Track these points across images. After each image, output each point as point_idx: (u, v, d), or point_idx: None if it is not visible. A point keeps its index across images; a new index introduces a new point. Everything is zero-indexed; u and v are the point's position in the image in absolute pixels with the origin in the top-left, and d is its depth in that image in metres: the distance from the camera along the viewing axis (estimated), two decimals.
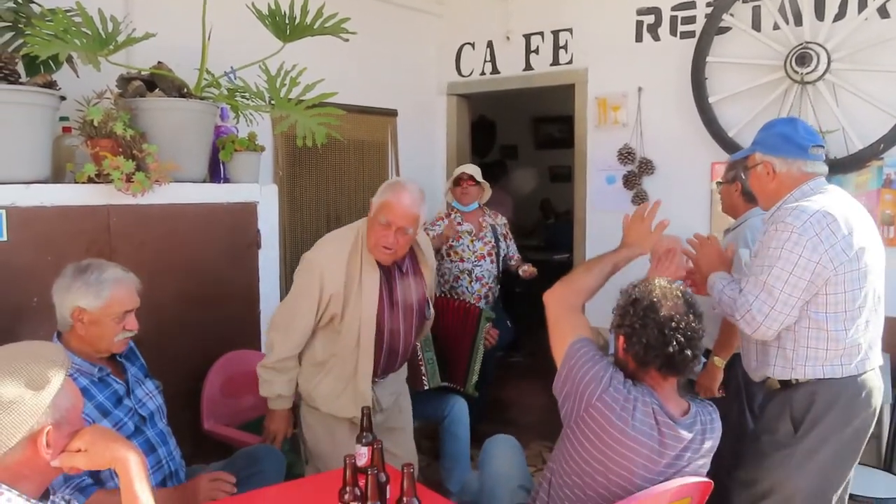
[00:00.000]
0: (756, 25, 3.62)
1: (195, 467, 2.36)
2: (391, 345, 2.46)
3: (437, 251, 3.80)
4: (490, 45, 4.65)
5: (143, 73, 2.83)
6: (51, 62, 2.59)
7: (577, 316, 1.98)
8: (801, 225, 1.98)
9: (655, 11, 3.95)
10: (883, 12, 3.29)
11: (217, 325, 2.95)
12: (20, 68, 2.50)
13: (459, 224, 3.91)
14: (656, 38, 3.97)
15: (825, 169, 2.19)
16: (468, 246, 3.88)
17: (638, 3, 4.00)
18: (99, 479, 1.94)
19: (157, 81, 2.82)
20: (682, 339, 1.76)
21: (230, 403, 2.92)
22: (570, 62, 4.32)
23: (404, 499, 1.64)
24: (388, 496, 1.80)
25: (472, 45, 4.74)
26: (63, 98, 2.57)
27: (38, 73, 2.54)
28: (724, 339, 2.68)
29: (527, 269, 3.87)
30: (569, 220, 4.64)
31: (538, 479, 2.05)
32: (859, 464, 2.18)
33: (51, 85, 2.50)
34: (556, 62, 4.37)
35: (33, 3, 2.62)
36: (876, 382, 2.11)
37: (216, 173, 3.12)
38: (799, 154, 2.15)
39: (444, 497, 2.09)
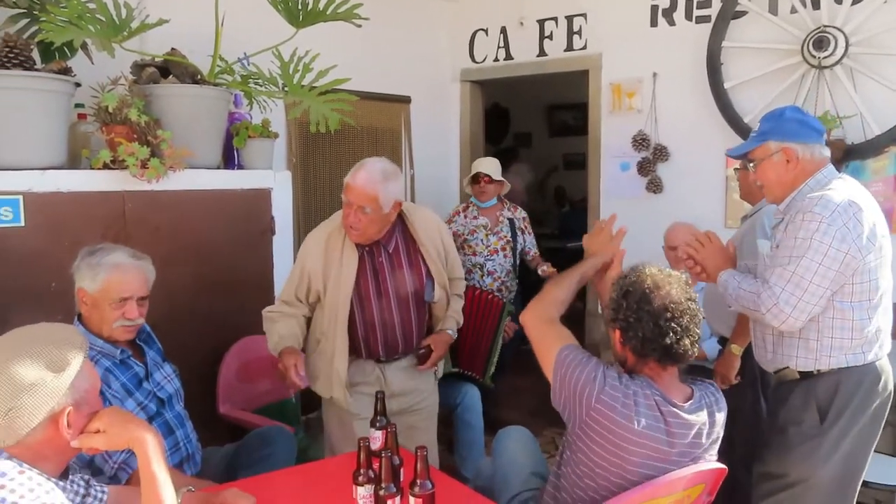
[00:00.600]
0: (773, 9, 3.57)
1: (210, 449, 2.39)
2: (385, 327, 2.45)
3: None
4: (503, 30, 4.63)
5: (156, 59, 2.84)
6: (66, 49, 2.61)
7: (556, 327, 1.94)
8: (830, 214, 1.94)
9: None
10: None
11: (231, 310, 2.97)
12: (35, 55, 2.51)
13: (475, 218, 3.90)
14: (671, 22, 3.93)
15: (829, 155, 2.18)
16: (482, 240, 3.86)
17: None
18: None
19: (170, 68, 2.83)
20: (679, 328, 1.73)
21: (245, 388, 2.94)
22: (584, 48, 4.28)
23: (418, 481, 1.65)
24: (401, 479, 1.81)
25: (486, 30, 4.71)
26: (78, 85, 2.59)
27: (53, 60, 2.56)
28: (741, 327, 2.67)
29: (546, 269, 3.81)
30: (584, 208, 4.62)
31: (547, 487, 2.03)
32: (874, 451, 2.17)
33: (66, 71, 2.52)
34: (570, 48, 4.34)
35: None
36: (889, 367, 2.12)
37: (230, 160, 3.13)
38: (818, 138, 2.11)
39: (458, 481, 2.10)
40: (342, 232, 2.39)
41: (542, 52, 4.47)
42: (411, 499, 1.65)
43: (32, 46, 2.48)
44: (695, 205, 3.82)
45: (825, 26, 3.36)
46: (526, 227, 4.04)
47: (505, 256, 3.89)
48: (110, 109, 2.54)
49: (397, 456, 1.85)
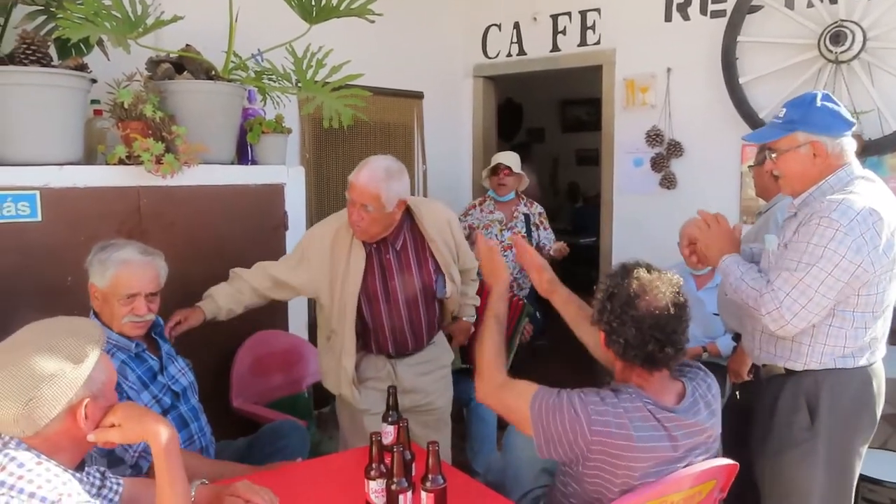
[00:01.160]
0: (789, 3, 3.53)
1: (223, 443, 2.41)
2: (393, 324, 2.46)
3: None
4: (517, 25, 4.61)
5: (171, 55, 2.86)
6: (82, 45, 2.63)
7: (510, 388, 1.84)
8: (848, 223, 1.82)
9: None
10: None
11: None
12: (52, 52, 2.54)
13: (491, 212, 3.88)
14: (686, 17, 3.90)
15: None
16: (496, 235, 3.84)
17: None
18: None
19: (185, 64, 2.85)
20: (661, 336, 1.67)
21: (258, 382, 2.96)
22: (597, 43, 4.26)
23: (429, 476, 1.65)
24: (413, 473, 1.82)
25: (499, 26, 4.70)
26: (94, 81, 2.61)
27: (69, 56, 2.59)
28: None
29: (557, 248, 3.76)
30: (597, 204, 4.60)
31: (558, 486, 2.01)
32: (886, 449, 2.14)
33: (82, 68, 2.54)
34: (583, 43, 4.32)
35: None
36: (882, 372, 2.05)
37: (244, 155, 3.15)
38: (847, 130, 1.97)
39: (470, 476, 2.11)
40: (350, 229, 2.39)
41: (555, 48, 4.45)
42: (423, 494, 1.66)
43: (49, 43, 2.51)
44: (709, 201, 3.78)
45: (842, 20, 3.33)
46: (542, 223, 4.02)
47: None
48: (126, 105, 2.56)
49: (409, 451, 1.85)
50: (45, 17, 2.64)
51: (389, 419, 2.02)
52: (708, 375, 1.89)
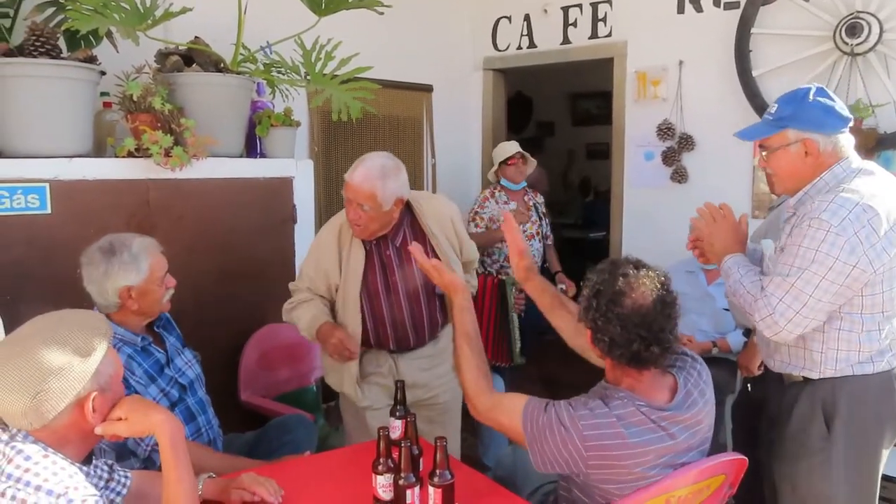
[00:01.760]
0: None
1: (231, 436, 2.41)
2: (395, 320, 2.44)
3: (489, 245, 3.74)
4: (527, 18, 4.58)
5: (180, 47, 2.85)
6: (91, 37, 2.63)
7: (500, 403, 1.80)
8: (839, 223, 1.74)
9: None
10: None
11: (253, 298, 2.99)
12: (62, 44, 2.53)
13: (506, 203, 3.84)
14: (699, 9, 3.85)
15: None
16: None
17: None
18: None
19: (194, 56, 2.84)
20: (647, 334, 1.63)
21: (266, 375, 2.97)
22: (608, 35, 4.22)
23: (437, 471, 1.64)
24: (421, 468, 1.81)
25: (509, 18, 4.66)
26: (103, 73, 2.61)
27: (78, 48, 2.59)
28: None
29: (567, 290, 3.73)
30: (607, 198, 4.57)
31: (563, 484, 2.00)
32: None
33: (91, 60, 2.54)
34: (594, 35, 4.28)
35: None
36: None
37: (252, 148, 3.14)
38: (842, 127, 1.88)
39: (479, 471, 2.10)
40: (350, 227, 2.38)
41: (565, 40, 4.42)
42: (430, 489, 1.64)
43: (59, 35, 2.51)
44: (721, 195, 3.69)
45: (858, 12, 3.28)
46: (546, 212, 4.02)
47: (539, 242, 3.86)
48: (135, 98, 2.56)
49: (417, 446, 1.84)
50: (54, 8, 2.64)
51: (397, 414, 2.01)
52: (696, 361, 1.84)
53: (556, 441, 1.66)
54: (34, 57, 2.38)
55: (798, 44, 3.49)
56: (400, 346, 2.48)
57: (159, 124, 2.59)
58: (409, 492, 1.68)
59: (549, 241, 4.00)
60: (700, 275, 3.33)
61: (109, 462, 1.57)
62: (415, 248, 2.03)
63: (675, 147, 3.97)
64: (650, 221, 4.13)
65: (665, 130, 3.98)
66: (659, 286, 1.68)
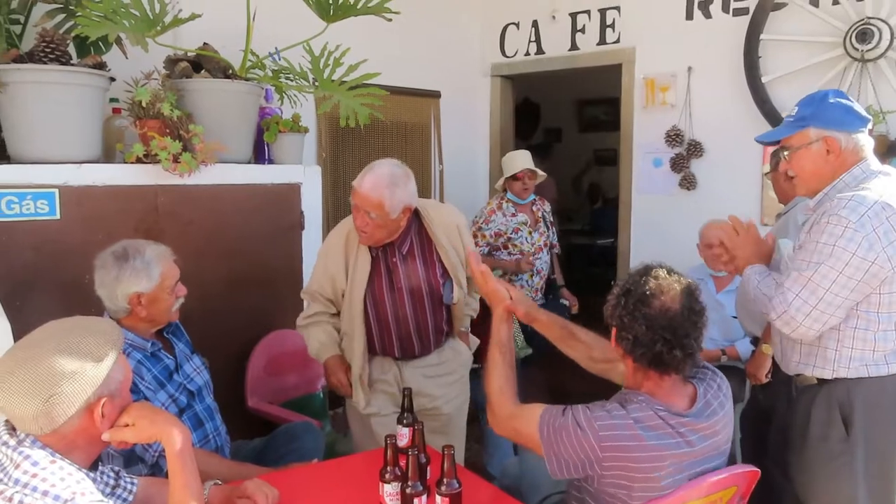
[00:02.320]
0: (814, 1, 3.48)
1: (238, 443, 2.41)
2: (400, 328, 2.43)
3: (497, 249, 3.72)
4: (535, 24, 4.58)
5: (189, 54, 2.86)
6: (100, 43, 2.64)
7: (520, 414, 1.80)
8: (858, 219, 1.76)
9: None
10: None
11: (261, 304, 2.99)
12: (71, 50, 2.55)
13: (514, 215, 3.76)
14: (707, 15, 3.85)
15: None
16: (527, 238, 3.70)
17: None
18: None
19: (202, 62, 2.85)
20: (671, 337, 1.63)
21: (273, 382, 2.96)
22: (617, 41, 4.22)
23: (445, 480, 1.63)
24: (428, 477, 1.80)
25: (517, 24, 4.67)
26: (113, 79, 2.62)
27: (88, 55, 2.60)
28: (773, 327, 2.60)
29: (573, 308, 3.73)
30: (616, 205, 4.55)
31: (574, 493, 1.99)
32: None
33: (101, 66, 2.55)
34: (602, 41, 4.28)
35: None
36: None
37: (260, 154, 3.15)
38: (862, 126, 1.91)
39: (486, 480, 2.09)
40: (356, 234, 2.37)
41: (573, 46, 4.42)
42: (438, 498, 1.64)
43: (69, 41, 2.52)
44: (729, 202, 3.74)
45: (869, 18, 3.26)
46: (553, 221, 3.98)
47: (548, 253, 3.81)
48: (143, 104, 2.56)
49: (424, 454, 1.83)
50: (64, 15, 2.65)
51: (405, 421, 2.00)
52: (717, 375, 1.84)
53: (573, 442, 1.65)
54: (44, 63, 2.39)
55: (808, 50, 3.48)
56: (405, 354, 2.47)
57: (168, 130, 2.60)
58: (416, 500, 1.67)
59: (556, 250, 3.97)
60: (709, 282, 3.31)
61: (116, 468, 1.57)
62: (471, 254, 2.09)
63: (684, 154, 3.96)
64: (658, 228, 4.11)
65: (673, 137, 3.97)
66: (689, 294, 1.69)
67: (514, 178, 3.73)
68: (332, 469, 2.12)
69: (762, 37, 3.59)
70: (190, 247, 2.62)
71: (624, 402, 1.71)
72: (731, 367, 3.13)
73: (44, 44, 2.40)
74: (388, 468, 1.73)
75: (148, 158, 2.59)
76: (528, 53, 4.64)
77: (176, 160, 2.58)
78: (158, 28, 2.51)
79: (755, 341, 2.87)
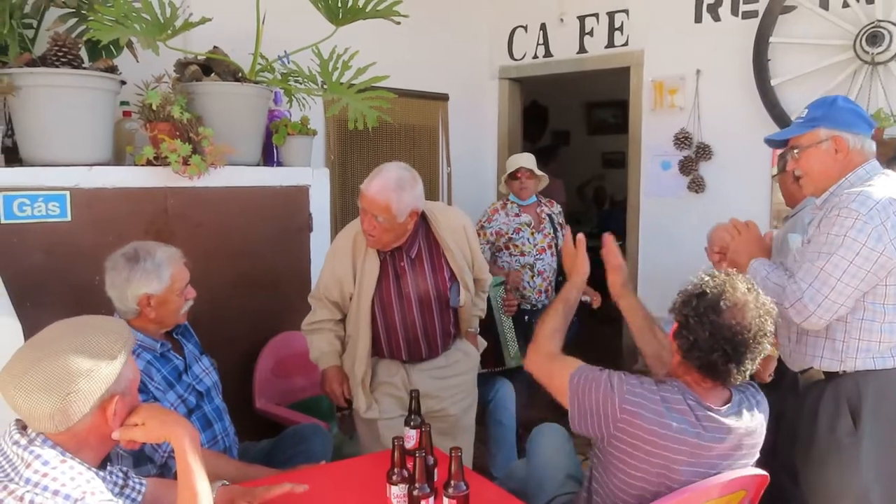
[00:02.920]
0: (823, 4, 3.46)
1: (246, 444, 2.41)
2: (407, 332, 2.43)
3: (498, 248, 3.73)
4: (543, 27, 4.58)
5: (199, 57, 2.88)
6: (112, 47, 2.67)
7: (559, 359, 1.89)
8: (868, 212, 1.84)
9: None
10: None
11: (269, 306, 3.00)
12: (83, 54, 2.57)
13: (517, 215, 3.78)
14: (716, 18, 3.84)
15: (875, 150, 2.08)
16: (528, 238, 3.70)
17: None
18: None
19: (212, 66, 2.87)
20: (731, 350, 1.65)
21: (281, 383, 2.97)
22: (625, 44, 4.22)
23: (452, 482, 1.63)
24: (435, 479, 1.80)
25: (525, 27, 4.67)
26: (123, 82, 2.64)
27: (99, 58, 2.62)
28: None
29: (593, 304, 3.67)
30: (624, 208, 4.55)
31: (582, 493, 1.99)
32: None
33: (112, 69, 2.57)
34: (611, 44, 4.28)
35: None
36: None
37: (269, 157, 3.16)
38: (868, 130, 2.01)
39: (492, 482, 2.09)
40: (364, 237, 2.38)
41: (582, 49, 4.41)
42: (445, 500, 1.64)
43: (80, 45, 2.54)
44: (738, 205, 3.73)
45: (879, 21, 3.25)
46: (562, 223, 3.96)
47: (552, 255, 3.78)
48: (154, 107, 2.58)
49: (431, 456, 1.83)
50: (76, 19, 2.68)
51: (412, 423, 2.00)
52: (758, 392, 1.87)
53: (598, 396, 1.72)
54: (56, 67, 2.41)
55: (818, 53, 3.46)
56: (412, 357, 2.48)
57: (178, 133, 2.61)
58: (423, 502, 1.67)
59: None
60: None
61: (124, 469, 1.57)
62: (568, 232, 2.23)
63: (693, 156, 3.95)
64: (667, 231, 4.10)
65: (682, 140, 3.96)
66: (763, 315, 1.69)
67: (513, 177, 3.76)
68: (339, 471, 2.13)
69: (771, 40, 3.58)
70: (199, 248, 2.63)
71: (658, 381, 1.76)
72: None
73: (56, 48, 2.42)
74: (396, 470, 1.74)
75: (158, 161, 2.60)
76: (536, 56, 4.64)
77: (186, 163, 2.59)
78: (169, 32, 2.53)
79: None
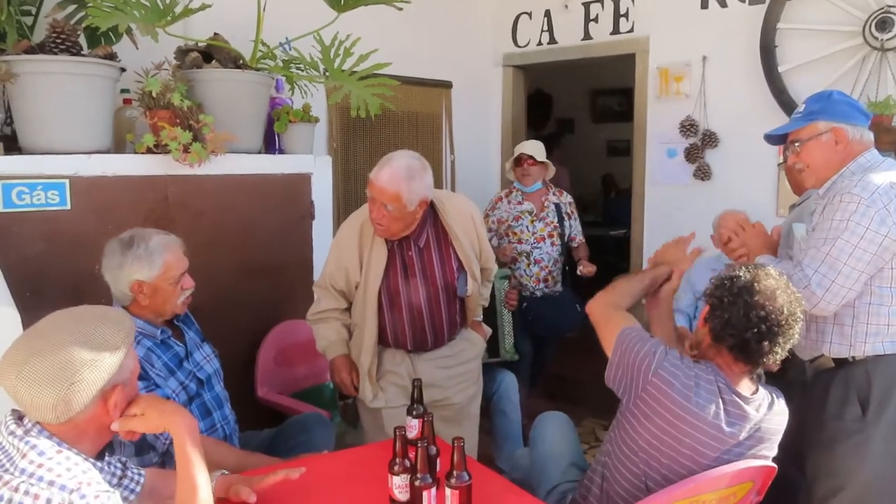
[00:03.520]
0: None
1: (248, 433, 2.41)
2: (414, 321, 2.42)
3: (499, 236, 3.72)
4: (547, 13, 4.53)
5: (199, 44, 2.85)
6: (111, 34, 2.64)
7: (622, 313, 1.96)
8: (870, 196, 1.88)
9: None
10: None
11: (271, 294, 2.99)
12: (82, 41, 2.54)
13: (519, 203, 3.77)
14: (723, 4, 3.78)
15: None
16: (528, 227, 3.71)
17: None
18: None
19: (213, 53, 2.84)
20: (765, 328, 1.68)
21: (283, 372, 2.96)
22: (630, 31, 4.16)
23: (454, 472, 1.62)
24: (437, 469, 1.79)
25: (529, 14, 4.62)
26: (123, 70, 2.62)
27: (99, 45, 2.59)
28: None
29: (584, 270, 3.70)
30: (629, 196, 4.50)
31: (589, 474, 1.99)
32: None
33: (111, 57, 2.54)
34: (616, 31, 4.23)
35: None
36: None
37: (271, 144, 3.14)
38: (865, 122, 2.07)
39: (496, 472, 2.07)
40: (371, 225, 2.36)
41: (587, 36, 4.36)
42: (447, 490, 1.62)
43: (79, 32, 2.52)
44: (745, 193, 3.70)
45: (889, 6, 3.19)
46: (573, 213, 3.92)
47: (552, 244, 3.75)
48: (154, 94, 2.56)
49: (434, 446, 1.82)
50: (75, 6, 2.65)
51: (414, 413, 1.99)
52: (781, 396, 1.89)
53: (638, 357, 1.78)
54: (55, 54, 2.39)
55: (826, 39, 3.41)
56: (417, 347, 2.46)
57: (178, 120, 2.59)
58: (425, 493, 1.66)
59: (576, 243, 3.88)
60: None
61: (123, 459, 1.57)
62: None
63: (699, 144, 3.91)
64: (672, 219, 4.06)
65: (688, 127, 3.92)
66: (794, 301, 1.73)
67: (517, 163, 3.76)
68: (341, 460, 2.12)
69: (779, 25, 3.52)
70: (200, 237, 2.62)
71: (697, 361, 1.81)
72: None
73: (55, 35, 2.40)
74: (398, 460, 1.72)
75: (158, 149, 2.59)
76: (540, 43, 4.59)
77: (186, 150, 2.57)
78: (169, 18, 2.51)
79: None
